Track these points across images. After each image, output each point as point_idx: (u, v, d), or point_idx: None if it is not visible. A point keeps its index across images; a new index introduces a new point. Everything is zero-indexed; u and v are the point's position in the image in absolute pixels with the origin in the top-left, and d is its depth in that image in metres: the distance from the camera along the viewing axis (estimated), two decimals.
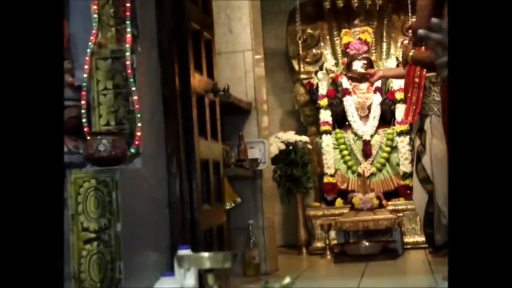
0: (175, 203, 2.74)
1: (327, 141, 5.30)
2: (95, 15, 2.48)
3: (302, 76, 5.52)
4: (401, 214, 4.94)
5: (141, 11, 2.60)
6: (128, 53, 2.46)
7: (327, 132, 5.32)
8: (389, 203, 5.02)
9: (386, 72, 4.91)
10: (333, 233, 4.90)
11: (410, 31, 4.21)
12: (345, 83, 5.40)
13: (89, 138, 2.35)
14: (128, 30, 2.48)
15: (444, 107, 4.03)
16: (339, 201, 5.21)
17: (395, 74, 4.63)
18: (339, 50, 5.62)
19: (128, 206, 2.32)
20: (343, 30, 5.54)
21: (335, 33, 5.64)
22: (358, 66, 5.35)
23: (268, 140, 4.37)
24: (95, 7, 2.48)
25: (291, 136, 5.23)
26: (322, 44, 5.71)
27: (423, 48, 4.05)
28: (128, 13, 2.47)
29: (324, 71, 5.49)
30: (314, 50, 5.68)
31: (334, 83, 5.44)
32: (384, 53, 5.59)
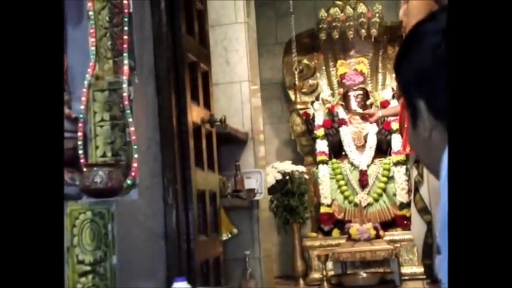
0: (172, 234, 2.72)
1: (324, 171, 5.30)
2: (93, 48, 2.49)
3: (298, 106, 5.55)
4: (398, 245, 4.92)
5: (139, 43, 2.62)
6: (125, 85, 2.47)
7: (323, 162, 5.33)
8: (387, 233, 5.01)
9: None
10: (330, 264, 4.87)
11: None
12: (341, 113, 5.43)
13: (85, 169, 2.34)
14: (125, 62, 2.49)
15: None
16: (335, 232, 5.20)
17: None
18: (334, 81, 5.66)
19: (124, 238, 2.30)
20: (339, 61, 5.59)
21: (331, 64, 5.69)
22: (355, 103, 5.38)
23: (265, 170, 4.37)
24: (92, 40, 2.50)
25: (288, 166, 5.23)
26: (318, 74, 5.76)
27: None
28: (125, 45, 2.49)
29: (320, 101, 5.53)
30: (310, 81, 5.73)
31: (331, 113, 5.47)
32: (380, 84, 5.64)
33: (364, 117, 4.84)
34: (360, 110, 5.21)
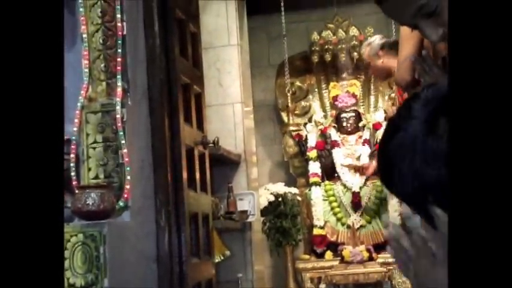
0: (164, 256, 2.71)
1: (316, 193, 5.29)
2: (86, 70, 2.50)
3: (291, 128, 5.55)
4: (391, 267, 4.89)
5: (132, 65, 2.62)
6: (118, 107, 2.47)
7: (316, 184, 5.32)
8: (380, 255, 4.99)
9: None
10: (323, 286, 4.85)
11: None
12: (334, 135, 5.44)
13: (77, 191, 2.33)
14: (119, 84, 2.49)
15: None
16: (328, 254, 5.17)
17: None
18: (327, 103, 5.68)
19: (115, 261, 2.29)
20: (331, 83, 5.61)
21: (323, 86, 5.72)
22: (347, 125, 5.37)
23: (258, 191, 4.36)
24: (86, 62, 2.50)
25: (280, 188, 5.22)
26: (310, 96, 5.77)
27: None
28: (118, 67, 2.50)
29: (313, 123, 5.54)
30: (303, 103, 5.74)
31: (323, 135, 5.48)
32: (372, 106, 5.66)
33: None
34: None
